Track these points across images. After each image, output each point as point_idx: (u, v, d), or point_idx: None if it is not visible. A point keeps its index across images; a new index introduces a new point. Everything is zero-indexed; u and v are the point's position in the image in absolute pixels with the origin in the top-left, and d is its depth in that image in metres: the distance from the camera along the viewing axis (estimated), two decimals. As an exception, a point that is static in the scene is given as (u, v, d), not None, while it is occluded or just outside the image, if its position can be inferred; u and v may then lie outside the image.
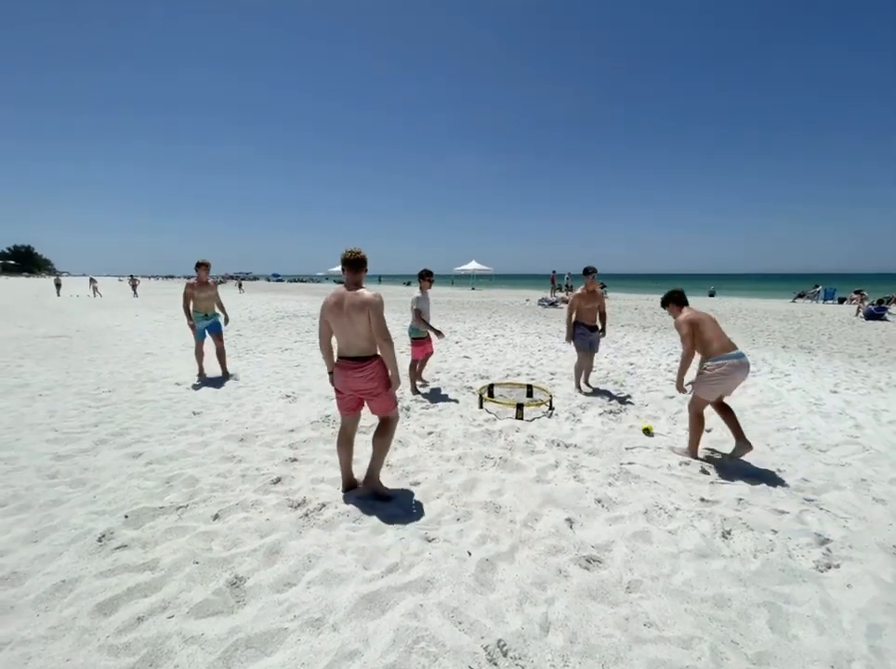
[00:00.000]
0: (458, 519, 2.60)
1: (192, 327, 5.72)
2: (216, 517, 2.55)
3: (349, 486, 2.93)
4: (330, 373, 2.87)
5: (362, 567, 2.14)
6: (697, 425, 3.49)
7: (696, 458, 3.49)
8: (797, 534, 2.49)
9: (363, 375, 2.68)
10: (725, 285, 43.56)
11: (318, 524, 2.50)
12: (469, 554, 2.25)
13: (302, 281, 65.04)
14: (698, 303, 21.23)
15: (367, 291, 2.70)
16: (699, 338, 3.41)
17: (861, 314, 14.66)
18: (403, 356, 6.58)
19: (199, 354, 5.91)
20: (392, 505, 2.73)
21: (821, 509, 2.78)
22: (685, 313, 3.52)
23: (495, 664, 1.63)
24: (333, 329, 2.74)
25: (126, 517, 2.50)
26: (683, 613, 1.91)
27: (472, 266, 35.48)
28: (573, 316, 5.33)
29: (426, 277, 5.21)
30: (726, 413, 3.49)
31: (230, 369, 6.16)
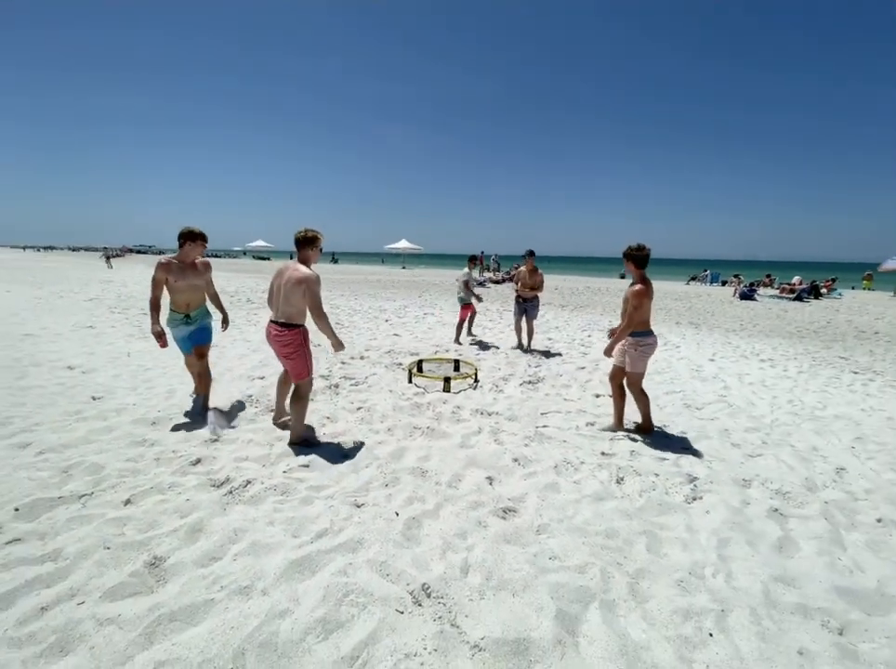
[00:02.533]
0: (387, 485, 2.72)
1: (158, 336, 3.48)
2: (127, 502, 2.41)
3: (279, 416, 3.52)
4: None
5: (291, 535, 2.19)
6: (643, 397, 3.62)
7: (655, 428, 3.72)
8: (673, 476, 2.98)
9: (281, 340, 3.06)
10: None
11: (243, 500, 2.48)
12: (397, 514, 2.40)
13: (217, 256, 59.47)
14: (609, 284, 23.18)
15: (306, 268, 3.03)
16: (641, 314, 3.44)
17: (737, 295, 17.06)
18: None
19: (191, 365, 4.02)
20: (321, 477, 2.78)
21: (693, 456, 3.33)
22: (641, 286, 3.44)
23: (420, 605, 1.80)
24: (273, 296, 3.15)
25: (17, 509, 2.27)
26: (581, 546, 2.23)
27: (403, 244, 35.07)
28: (518, 286, 6.67)
29: (472, 260, 7.31)
30: (622, 395, 3.73)
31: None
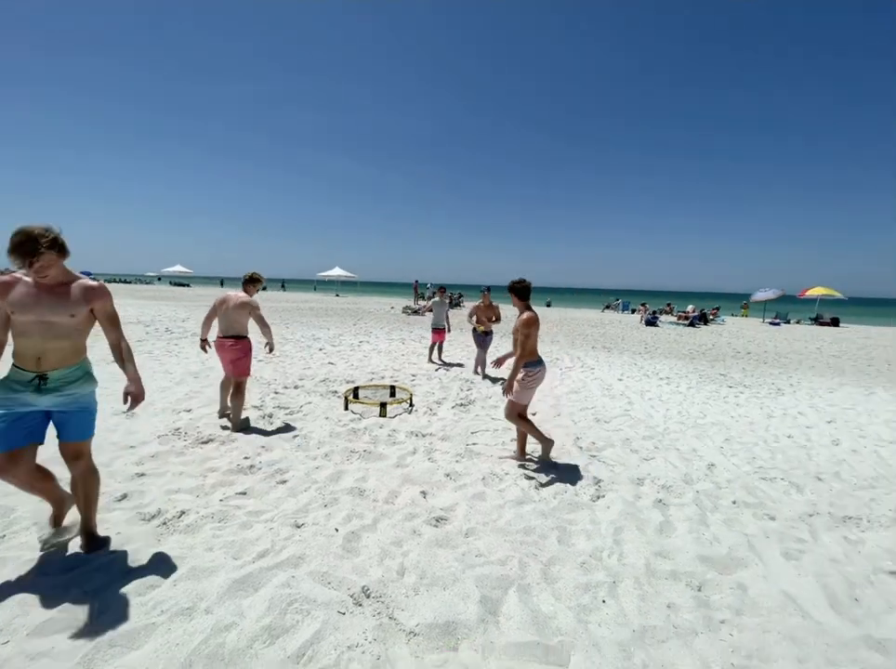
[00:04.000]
0: (326, 506, 2.86)
1: None
2: (46, 541, 2.31)
3: (224, 414, 4.39)
4: (203, 340, 4.31)
5: (231, 557, 2.25)
6: (527, 423, 3.68)
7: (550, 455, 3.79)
8: (583, 479, 3.44)
9: (235, 348, 4.12)
10: (558, 297, 50.84)
11: (179, 530, 2.48)
12: (337, 530, 2.55)
13: (126, 281, 53.92)
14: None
15: (246, 295, 4.21)
16: (531, 342, 3.49)
17: (643, 321, 19.21)
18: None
19: (26, 480, 2.15)
20: (259, 503, 2.84)
21: (600, 462, 3.84)
22: (531, 313, 3.51)
23: (361, 605, 1.99)
24: (218, 317, 4.17)
25: (-87, 559, 2.09)
26: (503, 543, 2.55)
27: (336, 272, 34.77)
28: (473, 320, 7.12)
29: (441, 289, 8.32)
30: (529, 422, 3.72)
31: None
